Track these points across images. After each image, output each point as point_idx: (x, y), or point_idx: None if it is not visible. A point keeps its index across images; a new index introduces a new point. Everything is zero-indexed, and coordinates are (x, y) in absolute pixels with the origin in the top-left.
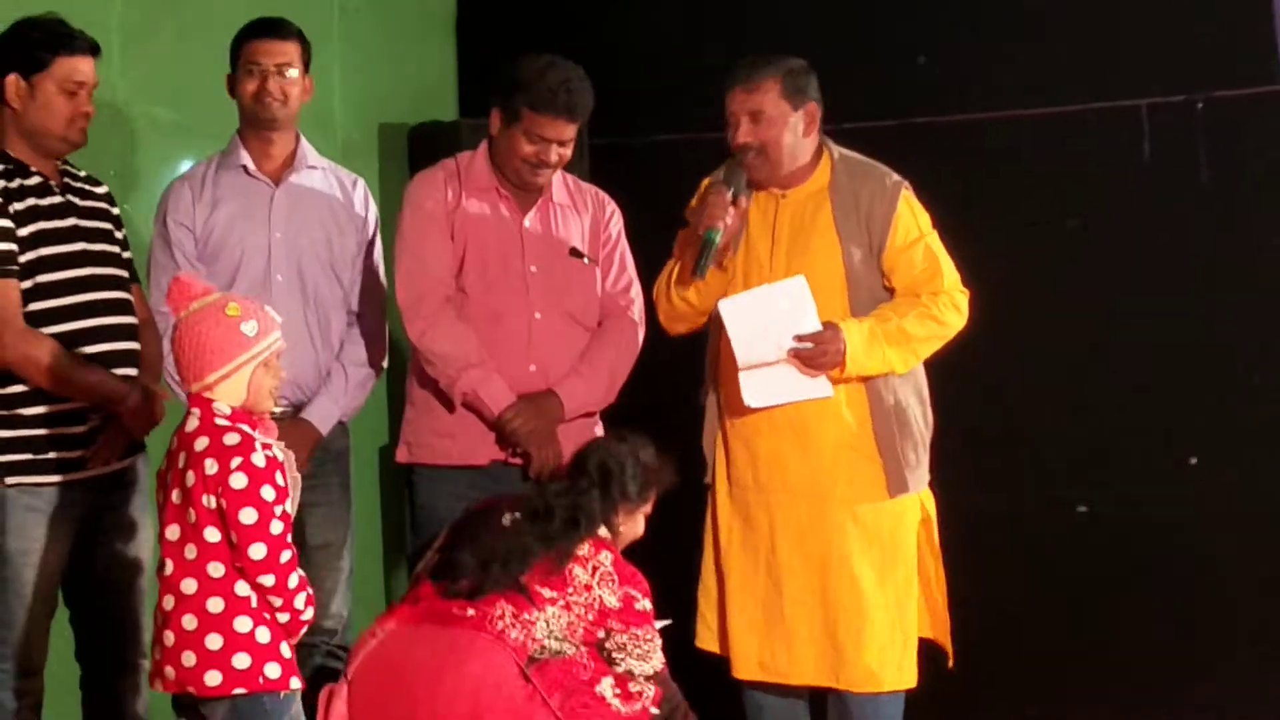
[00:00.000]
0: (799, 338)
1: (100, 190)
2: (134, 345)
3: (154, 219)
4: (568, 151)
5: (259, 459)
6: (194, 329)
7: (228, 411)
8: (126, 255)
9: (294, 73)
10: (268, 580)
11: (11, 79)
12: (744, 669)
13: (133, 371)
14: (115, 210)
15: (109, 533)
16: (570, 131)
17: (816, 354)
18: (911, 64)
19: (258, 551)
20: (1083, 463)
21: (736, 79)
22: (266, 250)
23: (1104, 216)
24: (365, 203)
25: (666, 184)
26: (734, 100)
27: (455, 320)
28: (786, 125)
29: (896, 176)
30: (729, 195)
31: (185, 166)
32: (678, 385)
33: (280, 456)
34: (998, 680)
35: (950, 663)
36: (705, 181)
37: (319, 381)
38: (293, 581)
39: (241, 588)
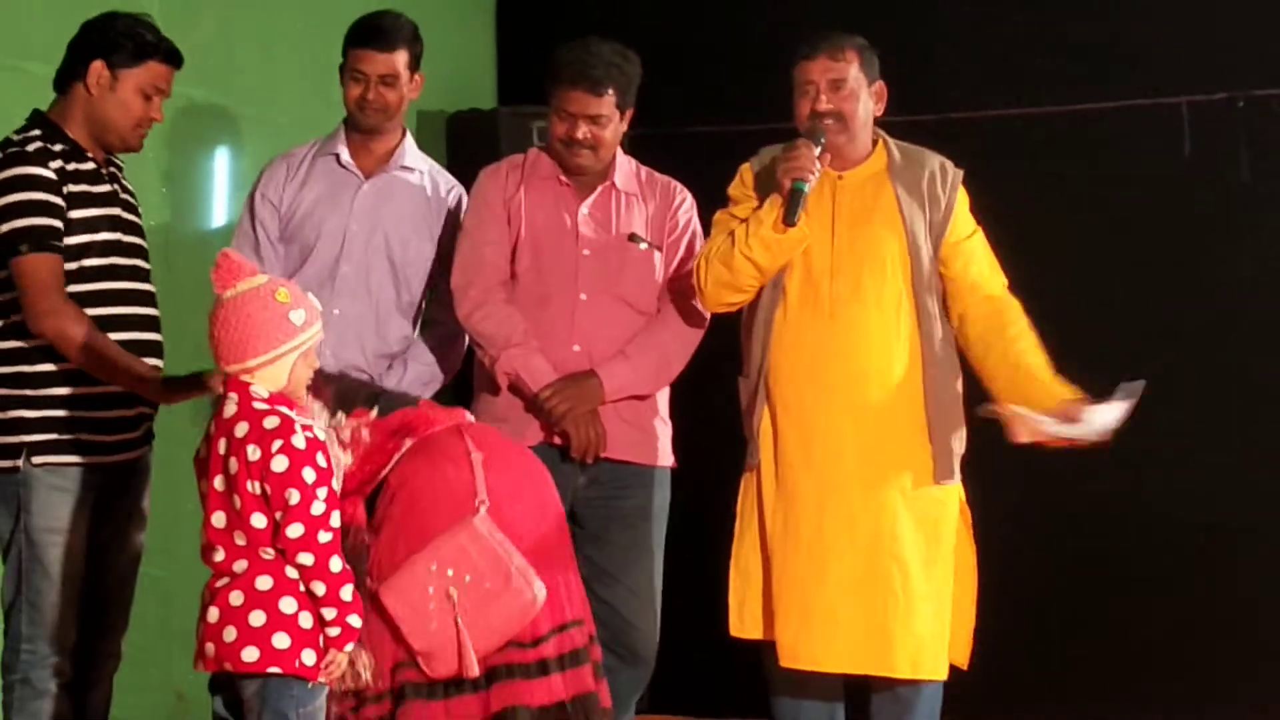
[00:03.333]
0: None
1: (131, 186)
2: (156, 336)
3: (249, 191)
4: (602, 131)
5: (299, 441)
6: (241, 310)
7: (265, 394)
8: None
9: (399, 80)
10: (306, 559)
11: (98, 64)
12: (786, 656)
13: (158, 362)
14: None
15: (120, 520)
16: (594, 106)
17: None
18: (953, 57)
19: (295, 530)
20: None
21: (818, 48)
22: (340, 240)
23: (1144, 214)
24: (458, 209)
25: (704, 174)
26: (814, 68)
27: (503, 303)
28: (862, 98)
29: (949, 162)
30: (817, 150)
31: (224, 151)
32: (717, 368)
33: (322, 437)
34: (1011, 677)
35: (965, 663)
36: (744, 166)
37: (367, 378)
38: (334, 565)
39: (292, 570)
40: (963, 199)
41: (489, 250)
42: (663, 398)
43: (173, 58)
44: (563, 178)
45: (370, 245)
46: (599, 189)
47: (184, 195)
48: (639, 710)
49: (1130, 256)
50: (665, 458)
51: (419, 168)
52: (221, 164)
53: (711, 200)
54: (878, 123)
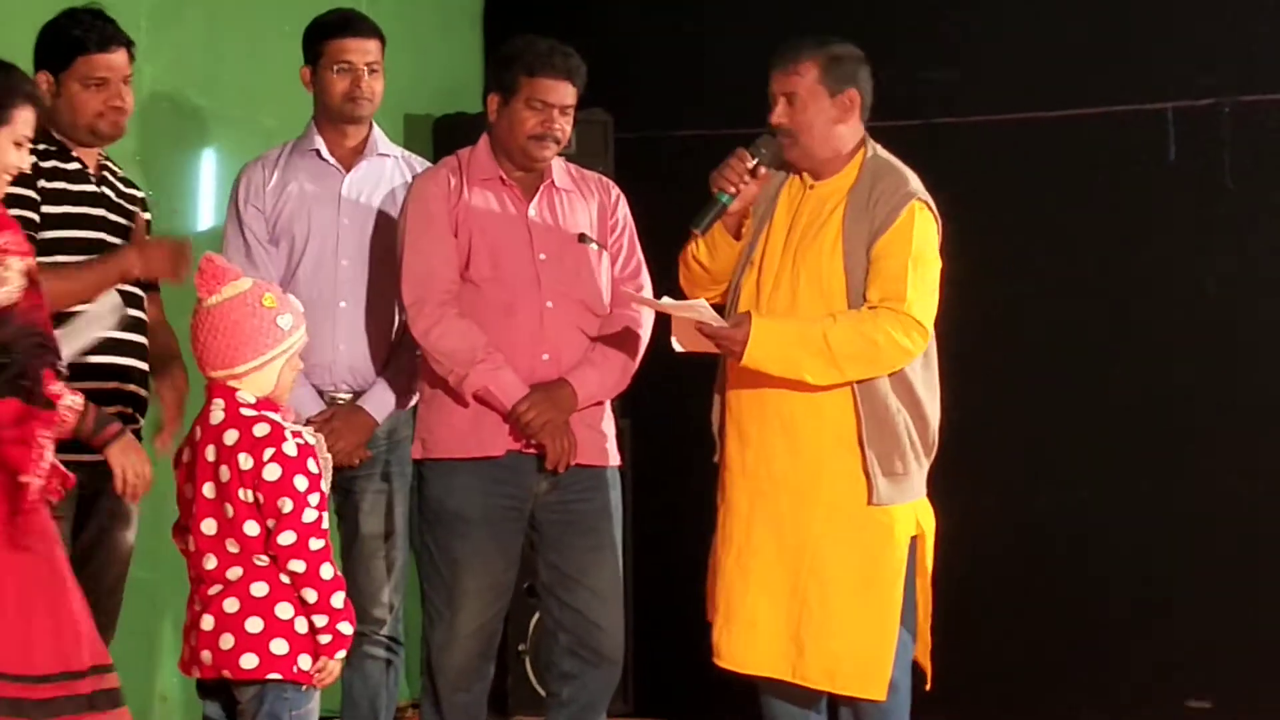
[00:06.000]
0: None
1: (137, 194)
2: (139, 339)
3: (229, 200)
4: (569, 125)
5: (290, 448)
6: (228, 316)
7: (253, 400)
8: None
9: (380, 67)
10: (298, 566)
11: (41, 76)
12: (715, 654)
13: (138, 364)
14: (146, 215)
15: (105, 518)
16: (571, 96)
17: (719, 333)
18: (934, 64)
19: (287, 538)
20: (1096, 464)
21: (779, 59)
22: (335, 235)
23: (1128, 220)
24: None
25: (692, 178)
26: (774, 80)
27: (458, 317)
28: (819, 110)
29: (915, 187)
30: (751, 163)
31: (208, 153)
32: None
33: (311, 441)
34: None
35: (928, 684)
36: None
37: (377, 369)
38: (325, 572)
39: (286, 576)
40: (904, 220)
41: (438, 262)
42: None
43: (108, 42)
44: (505, 178)
45: (365, 235)
46: (541, 188)
47: (170, 197)
48: (621, 715)
49: (1115, 261)
50: (615, 457)
51: (393, 154)
52: (208, 166)
53: (695, 203)
54: (872, 132)
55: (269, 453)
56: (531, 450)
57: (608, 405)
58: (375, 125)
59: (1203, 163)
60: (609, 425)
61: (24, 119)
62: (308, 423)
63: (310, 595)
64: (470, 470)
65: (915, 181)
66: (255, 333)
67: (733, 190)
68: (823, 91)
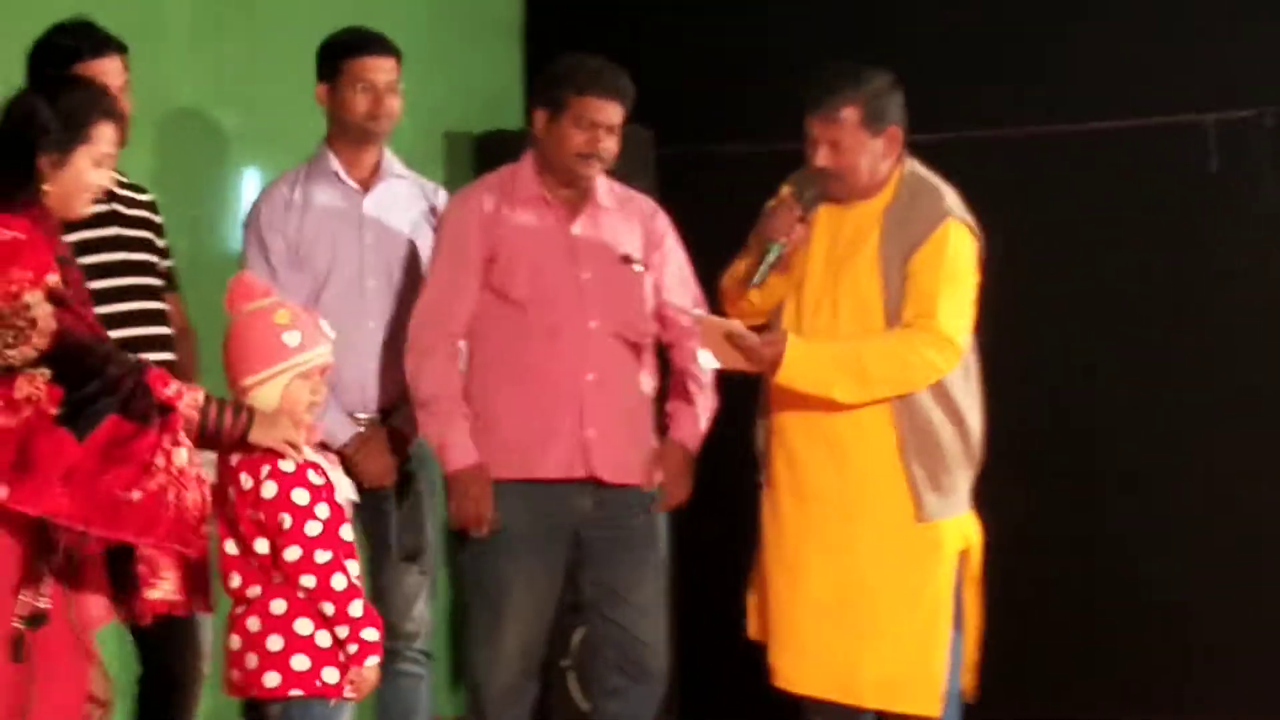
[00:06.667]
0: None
1: (144, 198)
2: (169, 356)
3: (245, 224)
4: (615, 144)
5: (287, 465)
6: (243, 330)
7: None
8: (166, 264)
9: (398, 85)
10: (309, 581)
11: None
12: (771, 673)
13: (165, 355)
14: (158, 219)
15: None
16: (619, 115)
17: (755, 349)
18: (977, 74)
19: (292, 554)
20: (1148, 473)
21: (815, 104)
22: (359, 256)
23: (1171, 232)
24: None
25: (735, 192)
26: (813, 124)
27: (447, 359)
28: (865, 152)
29: (951, 205)
30: (798, 211)
31: (250, 173)
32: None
33: (313, 458)
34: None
35: (970, 697)
36: (783, 187)
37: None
38: (338, 583)
39: (300, 591)
40: (938, 238)
41: (448, 294)
42: (651, 411)
43: (101, 48)
44: (548, 196)
45: (390, 256)
46: (585, 207)
47: (208, 216)
48: None
49: (1158, 274)
50: (659, 476)
51: (405, 175)
52: (249, 185)
53: (738, 219)
54: (911, 146)
55: (265, 470)
56: (583, 476)
57: (651, 424)
58: (385, 147)
59: (1245, 174)
60: (655, 440)
61: (105, 137)
62: (340, 449)
63: (328, 608)
64: (516, 491)
65: (952, 199)
66: (259, 347)
67: (783, 240)
68: (865, 134)
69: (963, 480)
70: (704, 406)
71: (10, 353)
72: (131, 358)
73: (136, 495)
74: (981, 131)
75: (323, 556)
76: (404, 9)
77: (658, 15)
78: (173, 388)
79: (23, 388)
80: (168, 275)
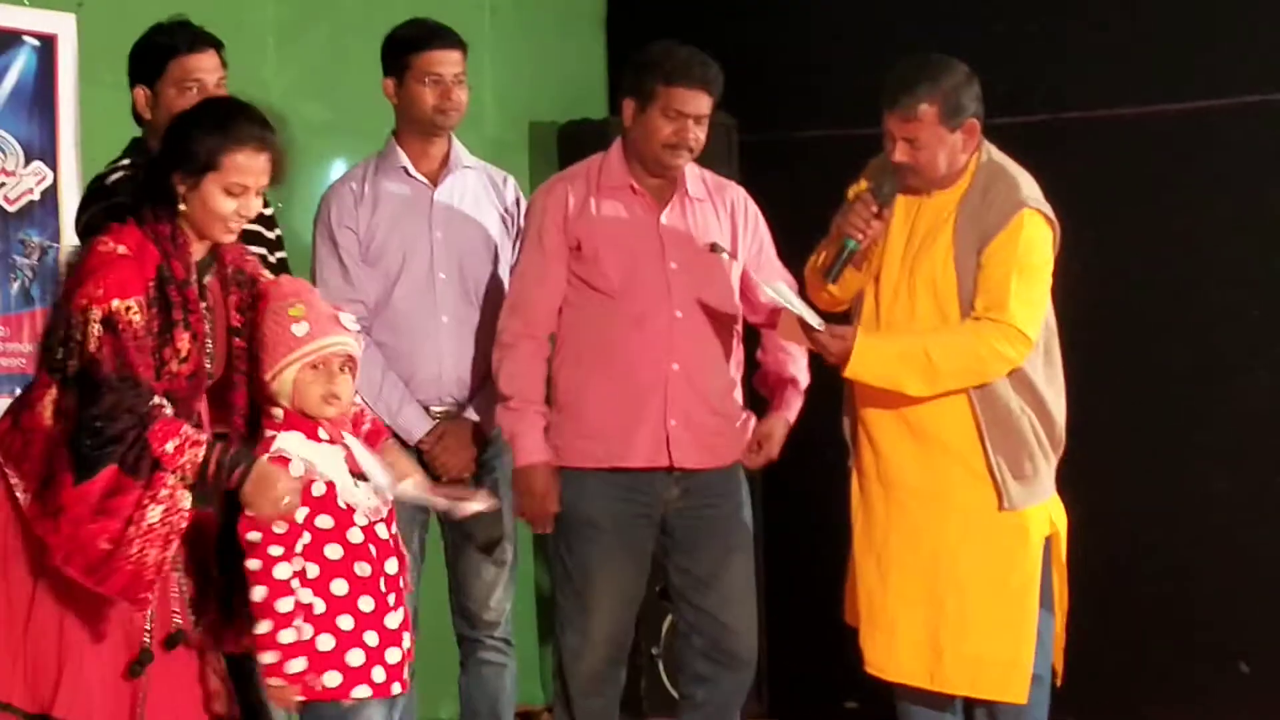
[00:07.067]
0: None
1: (264, 211)
2: None
3: (315, 221)
4: (703, 134)
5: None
6: (262, 329)
7: (280, 417)
8: (277, 255)
9: (465, 77)
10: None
11: (138, 91)
12: (864, 660)
13: None
14: (271, 234)
15: None
16: (708, 106)
17: (825, 344)
18: (1067, 56)
19: (252, 564)
20: (1228, 462)
21: (893, 102)
22: (429, 250)
23: (1262, 213)
24: (517, 201)
25: (817, 179)
26: (891, 120)
27: (530, 355)
28: (943, 147)
29: (1027, 194)
30: (874, 207)
31: (337, 165)
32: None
33: (301, 460)
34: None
35: (1059, 681)
36: (862, 181)
37: (483, 379)
38: (258, 594)
39: (305, 594)
40: (1013, 227)
41: (539, 293)
42: (738, 395)
43: (197, 43)
44: (636, 186)
45: (461, 248)
46: (674, 196)
47: (297, 210)
48: (755, 715)
49: (1253, 258)
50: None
51: (474, 165)
52: (335, 179)
53: (820, 205)
54: (989, 130)
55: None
56: (664, 464)
57: (738, 407)
58: (454, 138)
59: None
60: (742, 415)
61: (236, 165)
62: (418, 444)
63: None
64: (603, 479)
65: (1029, 187)
66: (273, 341)
67: (859, 236)
68: (944, 130)
69: (1045, 466)
70: (799, 385)
71: (70, 362)
72: (146, 406)
73: (105, 545)
74: (1065, 114)
75: (253, 565)
76: (489, 2)
77: (737, 3)
78: (170, 445)
79: (68, 399)
80: (278, 267)
